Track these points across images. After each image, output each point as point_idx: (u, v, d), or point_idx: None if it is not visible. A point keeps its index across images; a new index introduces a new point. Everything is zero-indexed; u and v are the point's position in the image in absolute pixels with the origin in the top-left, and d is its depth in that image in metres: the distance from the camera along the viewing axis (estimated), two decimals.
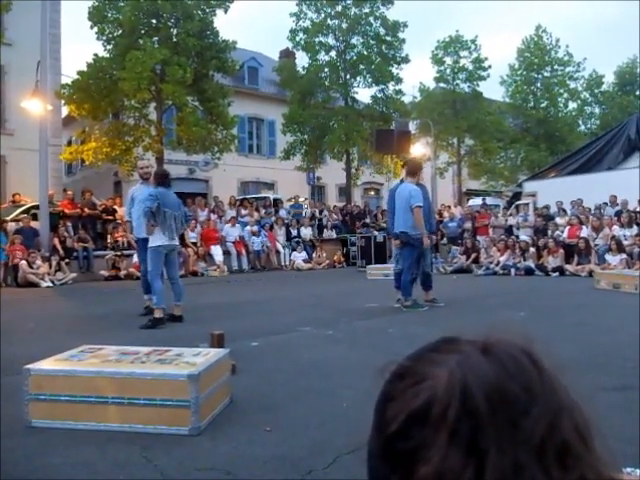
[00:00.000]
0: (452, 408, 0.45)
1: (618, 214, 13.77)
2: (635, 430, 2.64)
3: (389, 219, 7.57)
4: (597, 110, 33.05)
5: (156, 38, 17.51)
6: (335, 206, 20.93)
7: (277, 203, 18.99)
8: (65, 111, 19.64)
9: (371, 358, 4.15)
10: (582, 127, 32.19)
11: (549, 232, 13.83)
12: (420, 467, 0.45)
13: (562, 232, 13.62)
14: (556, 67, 29.92)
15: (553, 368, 0.50)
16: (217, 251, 14.41)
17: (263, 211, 17.31)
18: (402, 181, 7.31)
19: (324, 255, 16.37)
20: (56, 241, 12.62)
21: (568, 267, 12.00)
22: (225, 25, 38.45)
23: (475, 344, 0.51)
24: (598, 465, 0.47)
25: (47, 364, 3.03)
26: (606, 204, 14.88)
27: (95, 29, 17.36)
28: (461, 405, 0.45)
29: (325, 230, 17.88)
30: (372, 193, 30.46)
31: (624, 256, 11.48)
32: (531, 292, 9.25)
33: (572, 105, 31.34)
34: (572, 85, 30.56)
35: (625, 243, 11.93)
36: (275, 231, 16.35)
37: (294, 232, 16.80)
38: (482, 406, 0.45)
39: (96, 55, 17.14)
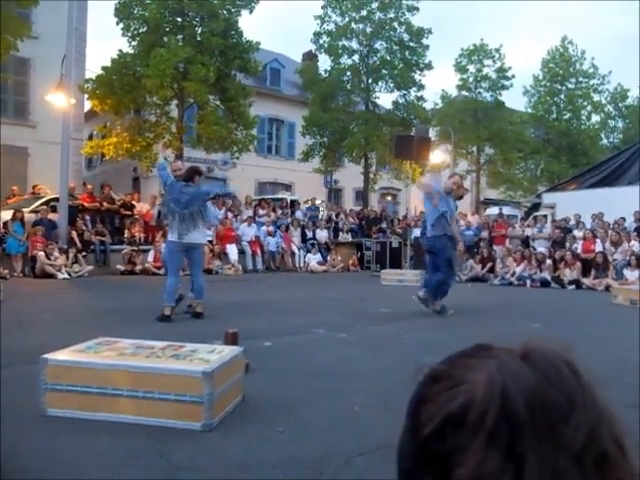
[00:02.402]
0: (491, 412, 0.45)
1: (638, 229, 13.59)
2: None
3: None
4: (620, 124, 32.71)
5: (180, 36, 17.67)
6: (352, 210, 20.92)
7: (294, 204, 19.03)
8: (88, 106, 19.89)
9: (384, 363, 4.14)
10: (604, 140, 31.87)
11: (567, 245, 13.68)
12: (456, 470, 0.45)
13: (579, 245, 13.47)
14: (581, 79, 29.67)
15: (591, 378, 0.50)
16: (232, 250, 14.46)
17: (280, 212, 17.35)
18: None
19: (339, 258, 16.36)
20: (74, 234, 12.76)
21: (585, 281, 11.87)
22: (249, 25, 38.74)
23: (513, 351, 0.51)
24: (634, 474, 0.47)
25: (64, 355, 3.06)
26: (624, 219, 14.69)
27: (121, 25, 17.58)
28: (500, 409, 0.45)
29: (341, 233, 17.88)
30: (389, 198, 30.39)
31: None
32: (546, 304, 9.15)
33: (595, 118, 31.10)
34: (596, 98, 30.30)
35: None
36: (291, 232, 16.38)
37: (310, 234, 16.81)
38: (522, 412, 0.45)
39: (121, 51, 17.35)
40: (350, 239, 17.81)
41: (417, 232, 14.04)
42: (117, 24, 17.60)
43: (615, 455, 0.46)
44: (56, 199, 13.35)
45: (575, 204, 16.27)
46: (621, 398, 3.41)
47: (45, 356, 2.97)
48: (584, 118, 30.05)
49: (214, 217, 7.96)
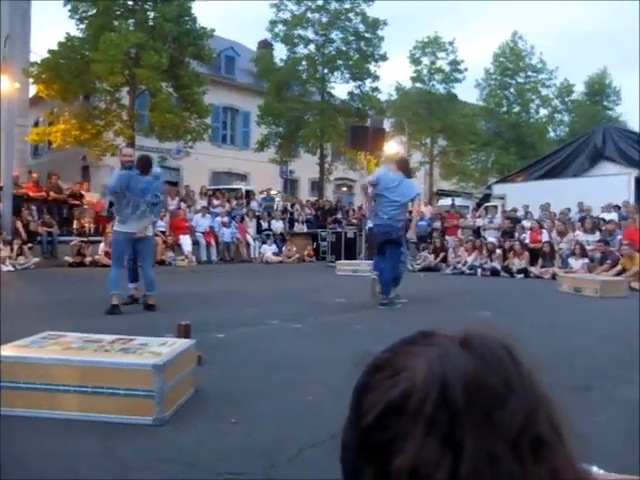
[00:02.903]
0: (430, 399, 0.46)
1: (582, 220, 14.14)
2: (591, 428, 2.72)
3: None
4: (566, 118, 33.83)
5: (132, 20, 17.17)
6: (307, 200, 20.92)
7: (249, 195, 18.87)
8: (33, 90, 19.09)
9: (338, 353, 4.18)
10: (552, 134, 32.90)
11: (515, 235, 14.11)
12: (395, 458, 0.45)
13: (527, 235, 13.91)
14: (530, 73, 30.49)
15: (530, 363, 0.51)
16: (186, 241, 14.23)
17: (234, 202, 17.18)
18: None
19: (294, 249, 16.35)
20: (19, 224, 12.26)
21: (532, 269, 12.27)
22: (203, 12, 37.99)
23: (453, 338, 0.51)
24: (570, 457, 0.48)
25: (7, 350, 2.95)
26: (569, 210, 15.26)
27: (68, 6, 16.91)
28: (439, 396, 0.46)
29: (296, 224, 17.86)
30: (345, 189, 30.54)
31: (586, 260, 11.79)
32: (496, 292, 9.43)
33: (543, 112, 32.05)
34: (544, 92, 31.22)
35: (588, 248, 12.25)
36: (246, 223, 16.26)
37: (265, 225, 16.73)
38: (460, 398, 0.45)
39: (68, 34, 16.70)
40: (305, 230, 17.82)
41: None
42: (64, 5, 16.93)
43: (551, 440, 0.47)
44: (0, 188, 12.79)
45: (524, 195, 16.78)
46: (568, 381, 3.56)
47: None
48: (533, 111, 30.96)
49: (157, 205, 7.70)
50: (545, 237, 13.23)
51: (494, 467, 0.44)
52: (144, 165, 6.28)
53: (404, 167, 7.13)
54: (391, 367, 0.50)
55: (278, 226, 16.90)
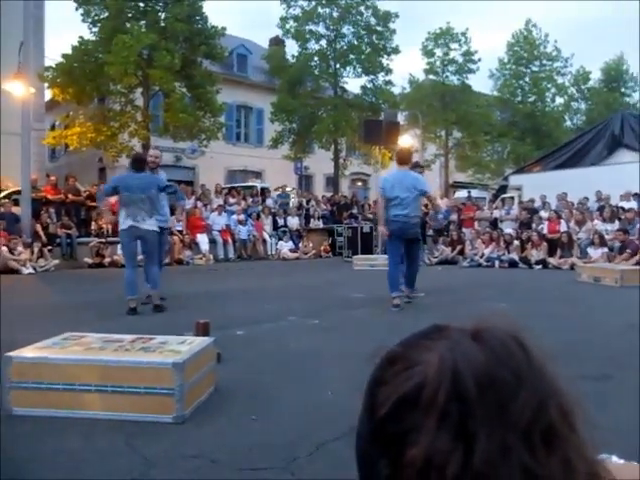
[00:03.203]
0: (442, 392, 0.46)
1: (601, 209, 13.95)
2: (609, 418, 2.69)
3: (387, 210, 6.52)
4: (583, 106, 33.31)
5: (143, 22, 17.27)
6: (323, 196, 20.91)
7: (264, 192, 18.92)
8: (48, 95, 19.32)
9: (356, 347, 4.17)
10: (568, 122, 32.44)
11: (533, 225, 13.96)
12: (409, 450, 0.46)
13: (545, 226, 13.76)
14: (544, 62, 30.07)
15: (541, 354, 0.51)
16: (203, 239, 14.33)
17: (250, 200, 17.24)
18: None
19: (310, 245, 16.37)
20: (38, 227, 12.45)
21: (551, 260, 12.14)
22: (214, 11, 38.05)
23: (465, 331, 0.52)
24: (582, 447, 0.48)
25: (29, 352, 3.00)
26: (587, 199, 15.06)
27: (80, 11, 17.08)
28: (451, 389, 0.46)
29: (312, 220, 17.87)
30: (360, 184, 30.47)
31: (605, 250, 11.63)
32: (514, 284, 9.35)
33: (559, 100, 31.60)
34: (560, 80, 30.76)
35: (607, 237, 12.09)
36: (262, 220, 16.31)
37: (281, 221, 16.77)
38: (472, 390, 0.46)
39: (81, 38, 16.85)
40: (321, 225, 17.82)
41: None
42: (76, 9, 17.09)
43: (563, 430, 0.47)
44: (18, 192, 12.99)
45: (540, 185, 16.58)
46: (588, 371, 3.52)
47: (9, 354, 2.90)
48: (548, 100, 30.52)
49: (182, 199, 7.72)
50: (563, 227, 13.08)
51: (506, 458, 0.44)
52: (135, 163, 6.31)
53: (405, 158, 6.74)
54: (405, 360, 0.51)
55: (294, 222, 16.93)
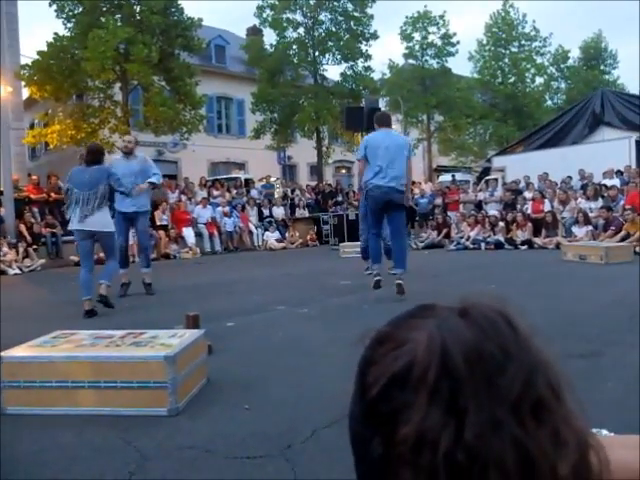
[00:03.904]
0: (432, 369, 0.47)
1: (584, 187, 14.09)
2: (600, 394, 2.75)
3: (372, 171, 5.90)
4: (563, 85, 33.51)
5: (119, 16, 17.02)
6: (307, 185, 20.88)
7: (248, 183, 18.84)
8: (26, 93, 19.01)
9: (346, 334, 4.20)
10: (549, 102, 32.61)
11: (517, 206, 14.08)
12: (401, 428, 0.47)
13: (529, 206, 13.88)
14: (523, 42, 30.16)
15: (528, 329, 0.52)
16: (189, 233, 14.27)
17: (234, 192, 17.17)
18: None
19: (297, 234, 16.37)
20: (22, 227, 12.31)
21: (536, 240, 12.26)
22: (190, 2, 37.54)
23: (452, 309, 0.53)
24: (570, 418, 0.49)
25: (20, 351, 2.99)
26: (570, 178, 15.19)
27: (54, 6, 16.77)
28: (440, 366, 0.47)
29: (297, 209, 17.85)
30: (343, 171, 30.45)
31: (590, 228, 11.77)
32: (501, 265, 9.44)
33: (539, 80, 31.73)
34: (539, 60, 30.88)
35: (591, 215, 12.23)
36: (247, 211, 16.27)
37: (266, 212, 16.73)
38: (461, 366, 0.47)
39: (56, 34, 16.57)
40: (307, 214, 17.81)
41: None
42: (50, 5, 16.79)
43: (551, 402, 0.48)
44: (0, 193, 12.81)
45: (524, 166, 16.69)
46: (577, 349, 3.59)
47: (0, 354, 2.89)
48: (528, 81, 30.64)
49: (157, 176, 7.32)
50: (547, 207, 13.20)
51: (497, 431, 0.45)
52: (87, 155, 5.95)
53: (386, 121, 6.24)
54: (393, 340, 0.51)
55: (279, 212, 16.90)
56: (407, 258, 6.11)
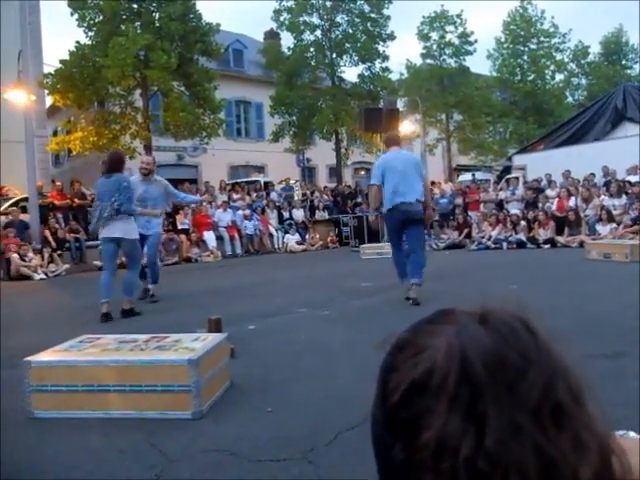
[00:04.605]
0: (451, 376, 0.47)
1: (607, 184, 13.86)
2: (625, 394, 2.71)
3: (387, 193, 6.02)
4: (584, 81, 32.99)
5: (138, 23, 17.24)
6: (326, 187, 20.90)
7: (268, 186, 18.93)
8: (49, 101, 19.38)
9: (367, 337, 4.21)
10: (569, 99, 32.15)
11: (539, 205, 13.90)
12: (422, 434, 0.47)
13: (552, 204, 13.70)
14: (542, 39, 29.76)
15: (547, 334, 0.52)
16: (210, 237, 14.39)
17: (254, 195, 17.27)
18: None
19: (317, 236, 16.40)
20: (47, 233, 12.54)
21: (559, 239, 12.10)
22: (208, 7, 37.87)
23: (471, 314, 0.53)
24: (592, 424, 0.49)
25: (47, 355, 3.06)
26: (593, 175, 14.95)
27: (76, 16, 17.07)
28: (460, 372, 0.47)
29: (317, 211, 17.88)
30: (363, 172, 30.38)
31: (614, 225, 11.58)
32: (523, 265, 9.34)
33: (559, 77, 31.29)
34: (558, 57, 30.45)
35: (615, 213, 12.03)
36: (267, 214, 16.34)
37: (286, 214, 16.79)
38: (480, 372, 0.47)
39: (78, 43, 16.87)
40: (327, 216, 17.83)
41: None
42: (71, 15, 17.09)
43: (571, 407, 0.48)
44: (25, 199, 13.07)
45: (545, 164, 16.48)
46: (601, 349, 3.53)
47: (28, 359, 2.96)
48: (548, 78, 30.23)
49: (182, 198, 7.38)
50: (572, 203, 13.02)
51: (517, 437, 0.45)
52: (105, 164, 6.00)
53: (395, 141, 6.39)
54: (413, 346, 0.52)
55: (299, 215, 16.95)
56: (423, 270, 6.03)
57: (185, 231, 13.94)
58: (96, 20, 17.18)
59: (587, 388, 0.51)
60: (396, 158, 6.03)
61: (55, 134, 21.42)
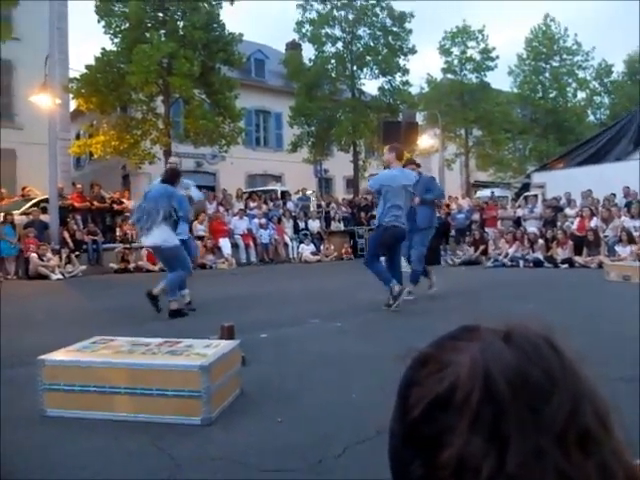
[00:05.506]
0: (474, 393, 0.46)
1: (628, 205, 13.68)
2: None
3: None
4: (606, 100, 32.73)
5: (163, 31, 17.52)
6: (343, 199, 20.92)
7: (284, 195, 19.00)
8: (73, 105, 19.72)
9: (380, 350, 4.17)
10: (591, 117, 31.91)
11: (558, 224, 13.76)
12: (443, 451, 0.46)
13: (572, 223, 13.55)
14: (565, 56, 29.66)
15: (574, 356, 0.50)
16: (225, 244, 14.45)
17: (271, 204, 17.33)
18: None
19: (332, 247, 16.38)
20: (66, 234, 12.71)
21: (577, 259, 11.95)
22: (231, 17, 38.37)
23: (496, 332, 0.52)
24: (619, 451, 0.47)
25: (60, 355, 3.07)
26: (614, 195, 14.78)
27: (102, 23, 17.40)
28: (483, 390, 0.46)
29: (333, 222, 17.88)
30: None
31: (634, 247, 11.41)
32: (540, 284, 9.22)
33: (581, 95, 31.12)
34: (581, 75, 30.30)
35: (635, 234, 11.85)
36: (283, 224, 16.37)
37: (302, 225, 16.81)
38: (504, 392, 0.46)
39: (104, 49, 17.18)
40: (342, 228, 17.82)
41: None
42: (98, 22, 17.42)
43: (597, 432, 0.46)
44: (46, 200, 13.27)
45: (564, 182, 16.34)
46: (618, 372, 3.46)
47: (42, 357, 2.97)
48: (570, 95, 30.07)
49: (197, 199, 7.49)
50: (594, 224, 12.87)
51: (541, 461, 0.44)
52: (165, 173, 6.34)
53: (399, 156, 6.59)
54: (436, 362, 0.51)
55: (315, 225, 16.96)
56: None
57: (201, 237, 14.02)
58: (122, 27, 17.51)
59: (614, 414, 0.49)
60: (400, 177, 6.35)
61: (77, 137, 21.76)
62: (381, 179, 6.54)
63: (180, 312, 6.10)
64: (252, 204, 16.66)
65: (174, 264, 6.15)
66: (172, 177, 6.24)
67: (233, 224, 15.22)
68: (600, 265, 10.94)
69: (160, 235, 5.91)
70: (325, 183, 27.57)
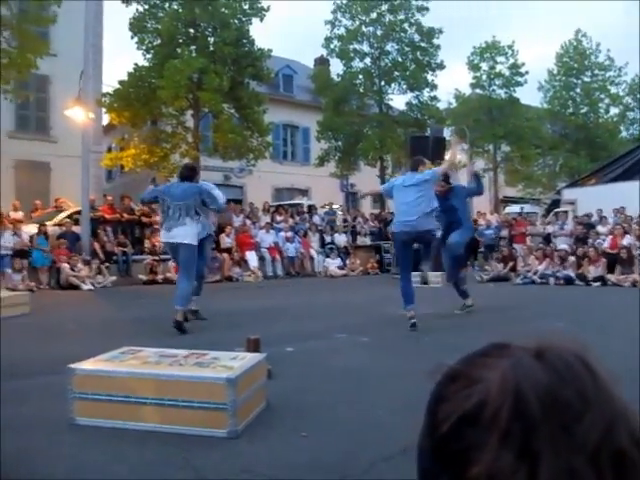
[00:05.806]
0: (504, 410, 0.46)
1: None
2: None
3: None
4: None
5: (194, 47, 17.89)
6: (371, 213, 20.89)
7: (311, 209, 19.07)
8: (106, 119, 20.22)
9: (407, 366, 4.13)
10: (624, 133, 31.33)
11: (589, 241, 13.48)
12: (471, 468, 0.46)
13: (603, 241, 13.27)
14: (596, 72, 29.26)
15: (608, 375, 0.49)
16: (252, 257, 14.54)
17: (297, 217, 17.40)
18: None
19: (358, 262, 16.33)
20: (97, 245, 12.97)
21: (610, 277, 11.67)
22: (261, 33, 39.04)
23: (527, 349, 0.51)
24: None
25: (90, 364, 3.12)
26: None
27: (135, 39, 17.86)
28: (513, 407, 0.45)
29: (359, 237, 17.85)
30: None
31: None
32: (571, 302, 9.03)
33: (614, 111, 30.58)
34: (613, 90, 29.82)
35: None
36: (309, 237, 16.42)
37: (328, 239, 16.83)
38: (535, 409, 0.45)
39: (136, 64, 17.61)
40: (369, 242, 17.77)
41: None
42: (132, 38, 17.89)
43: (632, 454, 0.45)
44: (78, 212, 13.57)
45: (596, 199, 16.04)
46: None
47: (72, 366, 3.02)
48: (602, 111, 29.61)
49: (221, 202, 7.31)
50: (627, 242, 12.58)
51: None
52: (184, 170, 6.36)
53: (415, 165, 6.74)
54: (466, 378, 0.50)
55: (341, 239, 16.95)
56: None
57: (228, 250, 14.14)
58: (154, 43, 17.93)
59: None
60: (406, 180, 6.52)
61: (109, 150, 22.25)
62: (389, 184, 6.82)
63: (180, 326, 5.80)
64: (279, 217, 16.75)
65: (186, 266, 5.97)
66: (191, 173, 6.18)
67: (260, 237, 15.32)
68: (634, 284, 10.67)
69: (183, 232, 5.79)
70: (352, 197, 27.58)
